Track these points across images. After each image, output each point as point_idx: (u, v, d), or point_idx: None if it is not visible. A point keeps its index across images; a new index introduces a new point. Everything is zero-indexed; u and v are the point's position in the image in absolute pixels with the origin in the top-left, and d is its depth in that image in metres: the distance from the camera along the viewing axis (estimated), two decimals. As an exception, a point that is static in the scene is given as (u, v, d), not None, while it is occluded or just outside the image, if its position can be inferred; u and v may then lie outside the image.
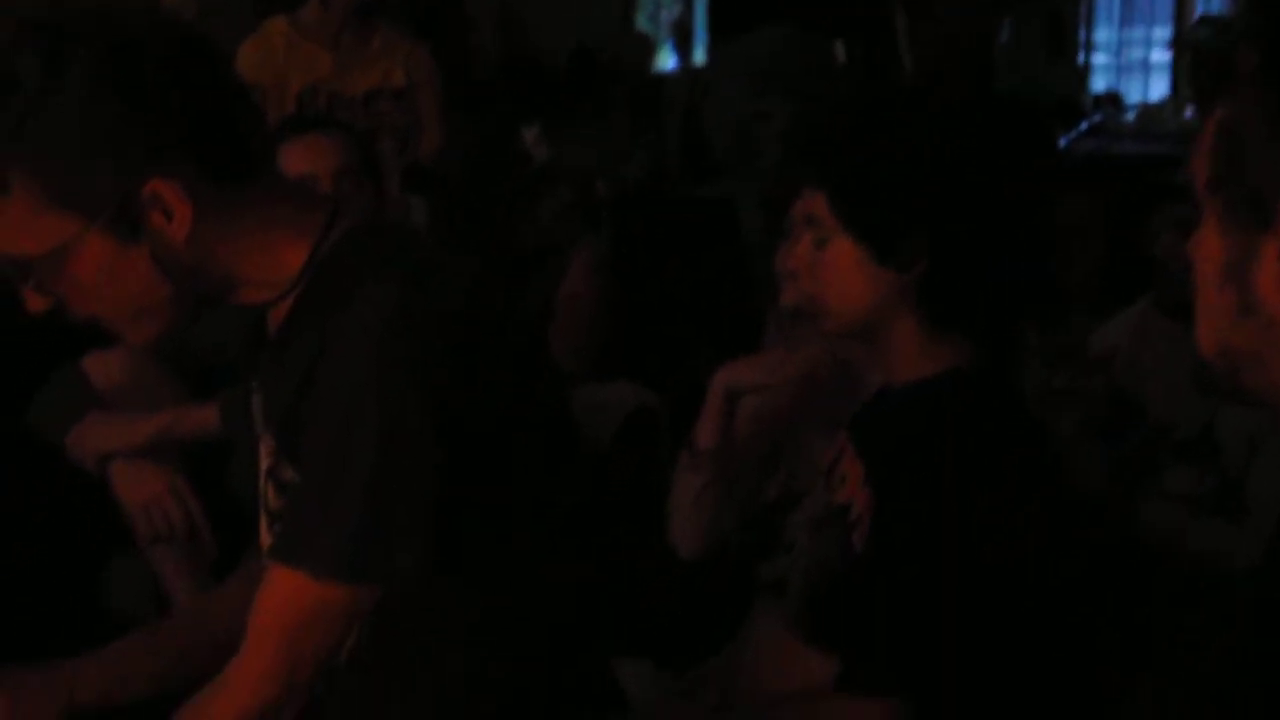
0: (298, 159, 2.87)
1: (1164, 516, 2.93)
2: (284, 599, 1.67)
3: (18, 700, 1.79)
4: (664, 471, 2.81)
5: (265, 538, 1.79)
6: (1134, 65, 9.68)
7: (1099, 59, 9.27)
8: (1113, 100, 8.58)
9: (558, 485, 1.81)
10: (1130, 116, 8.44)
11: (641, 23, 6.39)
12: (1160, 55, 9.35)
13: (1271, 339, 1.11)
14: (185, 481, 2.70)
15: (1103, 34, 9.60)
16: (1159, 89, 9.24)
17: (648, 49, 6.06)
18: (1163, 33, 9.30)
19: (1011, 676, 1.85)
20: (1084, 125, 5.63)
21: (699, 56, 6.56)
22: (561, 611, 1.82)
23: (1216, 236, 1.13)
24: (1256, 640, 1.04)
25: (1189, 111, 7.71)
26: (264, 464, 1.79)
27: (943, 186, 1.91)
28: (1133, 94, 9.23)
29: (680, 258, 4.17)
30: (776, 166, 3.08)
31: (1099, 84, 9.14)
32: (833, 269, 1.95)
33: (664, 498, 2.53)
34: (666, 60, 6.46)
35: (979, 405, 1.95)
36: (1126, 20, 9.79)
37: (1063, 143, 5.36)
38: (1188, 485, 2.96)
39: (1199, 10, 8.91)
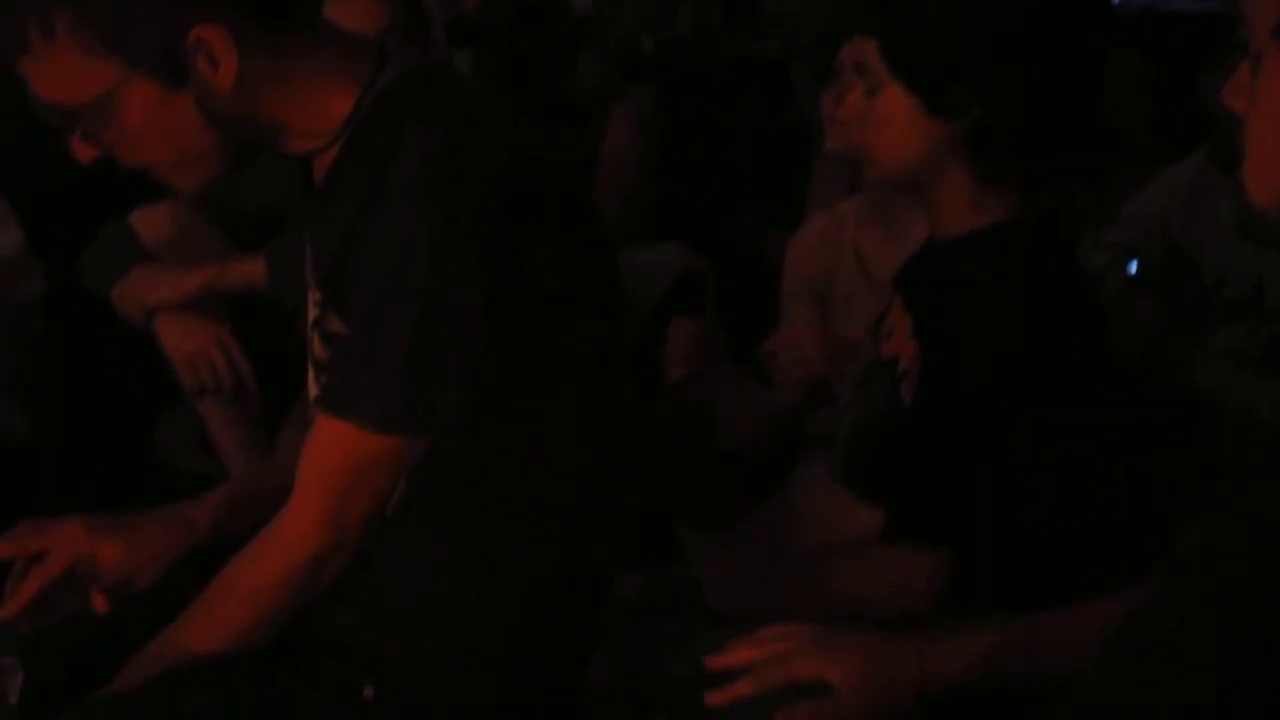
0: (344, 16, 2.84)
1: (1214, 373, 2.91)
2: (330, 450, 1.68)
3: (135, 545, 1.82)
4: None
5: (312, 389, 1.80)
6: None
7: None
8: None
9: (603, 345, 1.81)
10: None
11: None
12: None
13: None
14: (232, 334, 2.71)
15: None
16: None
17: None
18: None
19: (1057, 527, 1.85)
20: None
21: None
22: (601, 478, 1.83)
23: None
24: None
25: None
26: (310, 315, 1.79)
27: (995, 35, 1.89)
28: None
29: (726, 115, 4.14)
30: (826, 18, 3.02)
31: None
32: (883, 118, 1.94)
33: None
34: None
35: (1028, 258, 1.94)
36: None
37: (1115, -1, 5.26)
38: (1238, 342, 2.94)
39: None
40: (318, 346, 1.78)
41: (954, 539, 1.85)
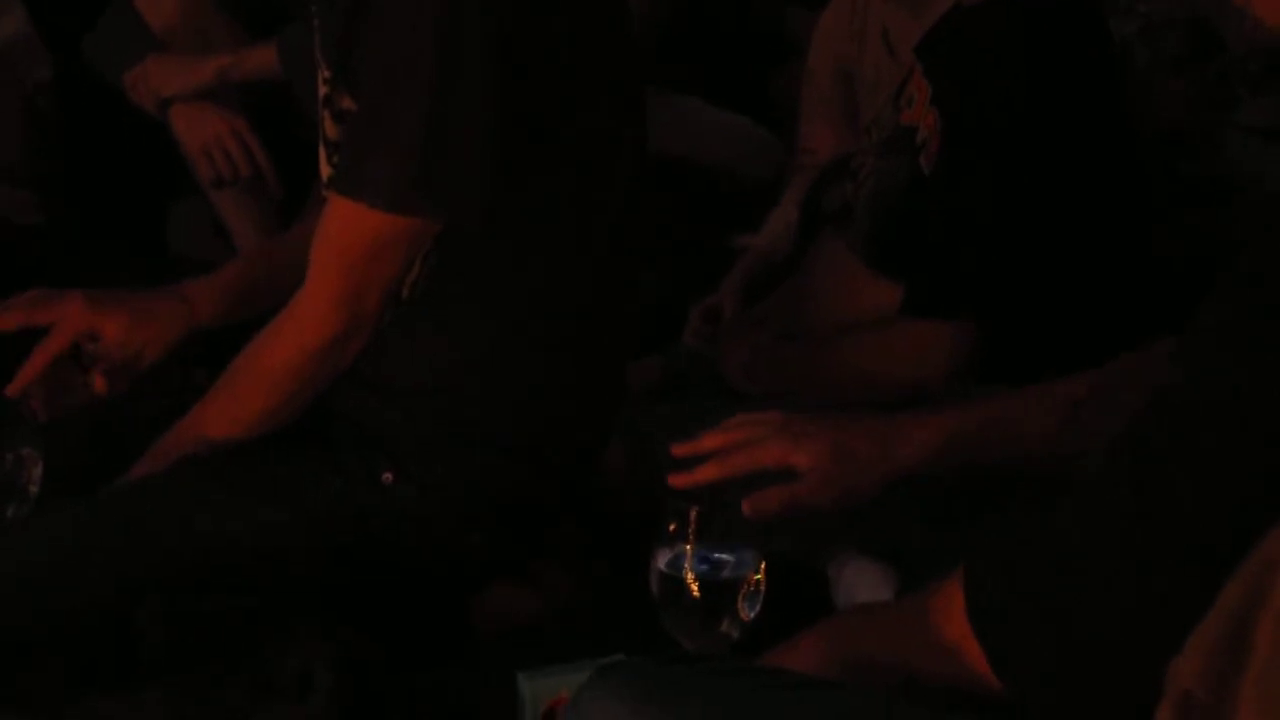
0: None
1: (1239, 146, 2.89)
2: (345, 230, 1.68)
3: (137, 320, 1.82)
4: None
5: (324, 170, 1.79)
6: None
7: None
8: None
9: (623, 133, 1.79)
10: None
11: None
12: None
13: None
14: (247, 123, 2.69)
15: None
16: None
17: None
18: None
19: (1080, 296, 1.86)
20: None
21: None
22: (620, 281, 1.84)
23: None
24: None
25: None
26: (321, 93, 1.77)
27: None
28: None
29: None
30: None
31: None
32: None
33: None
34: None
35: (1055, 24, 1.91)
36: None
37: None
38: (1266, 116, 2.92)
39: None
40: (329, 125, 1.76)
41: (975, 311, 1.86)
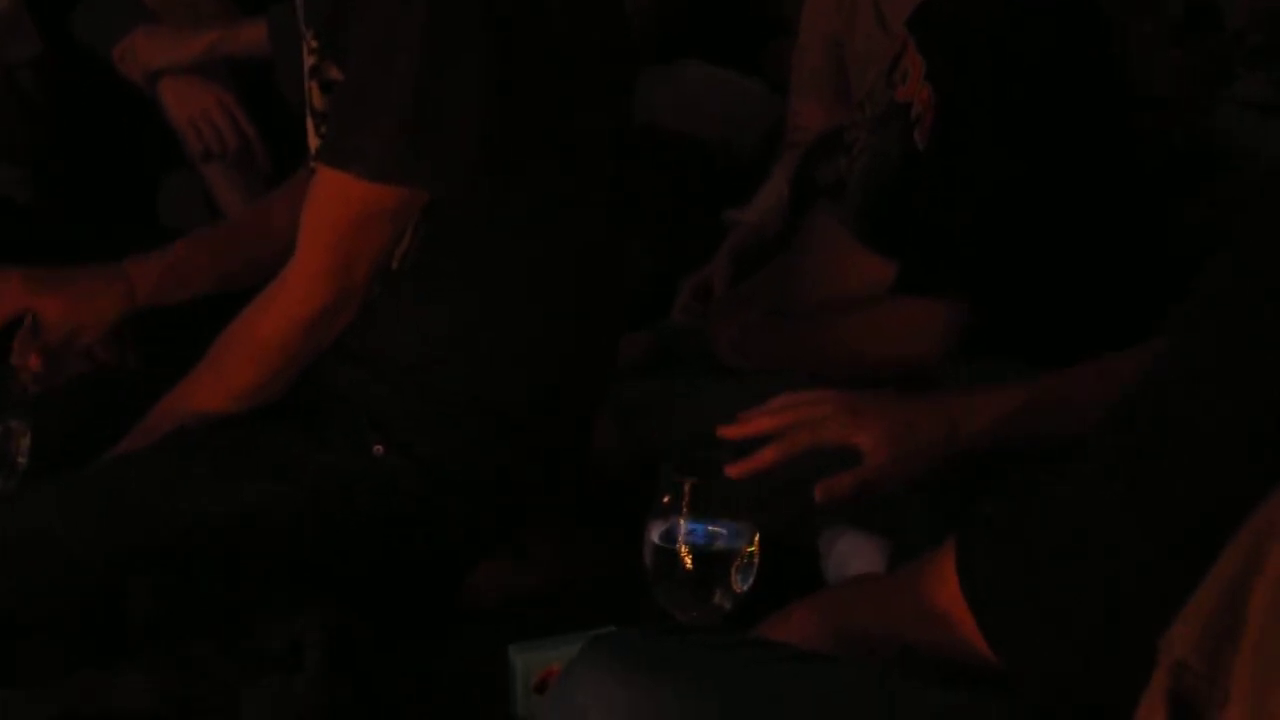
0: None
1: (1237, 121, 2.90)
2: (333, 201, 1.68)
3: (75, 299, 1.83)
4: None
5: (312, 141, 1.78)
6: None
7: None
8: None
9: (614, 108, 1.80)
10: None
11: None
12: None
13: None
14: (235, 98, 2.70)
15: None
16: None
17: None
18: None
19: (1074, 272, 1.86)
20: None
21: None
22: (608, 255, 1.84)
23: None
24: None
25: None
26: (307, 64, 1.77)
27: None
28: None
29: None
30: None
31: None
32: None
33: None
34: None
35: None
36: None
37: None
38: (1260, 91, 2.93)
39: None
40: (316, 96, 1.76)
41: (969, 288, 1.85)
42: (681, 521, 1.49)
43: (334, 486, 1.72)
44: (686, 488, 1.49)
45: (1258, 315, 1.03)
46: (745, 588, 1.49)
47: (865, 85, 2.36)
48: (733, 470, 1.52)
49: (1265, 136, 2.84)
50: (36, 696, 1.54)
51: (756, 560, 1.50)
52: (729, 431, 1.58)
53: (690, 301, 2.34)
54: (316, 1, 1.72)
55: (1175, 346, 1.14)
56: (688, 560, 1.48)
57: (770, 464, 1.55)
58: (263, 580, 1.67)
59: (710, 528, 1.49)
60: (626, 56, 1.86)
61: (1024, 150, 1.85)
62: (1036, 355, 1.69)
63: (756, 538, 1.49)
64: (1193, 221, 2.29)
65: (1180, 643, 0.79)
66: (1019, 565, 1.14)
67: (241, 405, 1.74)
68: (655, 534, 1.49)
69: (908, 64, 1.98)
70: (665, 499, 1.49)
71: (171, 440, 1.73)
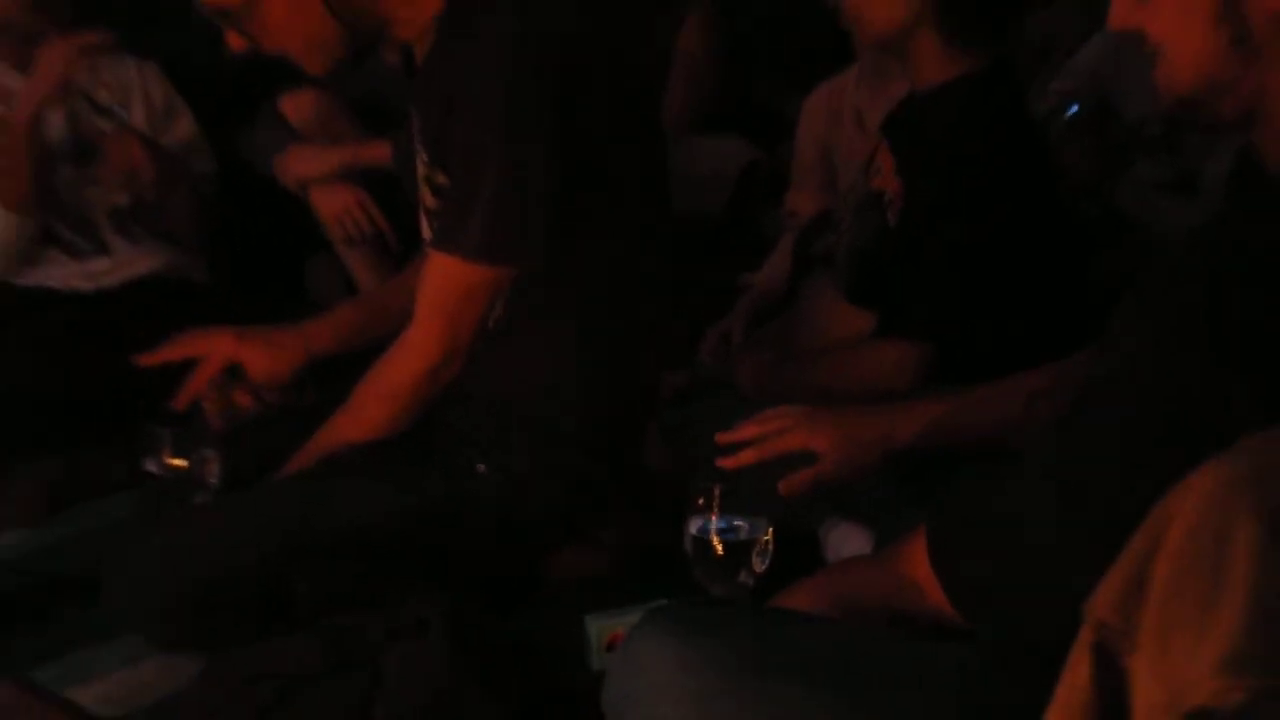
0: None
1: (1138, 198, 2.89)
2: (443, 280, 1.69)
3: (268, 349, 1.84)
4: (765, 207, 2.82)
5: (425, 232, 1.80)
6: None
7: None
8: None
9: (655, 201, 1.80)
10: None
11: None
12: None
13: (1254, 60, 1.05)
14: (369, 197, 2.70)
15: None
16: None
17: None
18: None
19: (1012, 321, 1.85)
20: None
21: None
22: (652, 310, 1.84)
23: None
24: (1191, 268, 1.04)
25: None
26: (420, 172, 1.78)
27: None
28: None
29: (754, 9, 4.02)
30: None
31: None
32: None
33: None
34: None
35: (987, 105, 1.90)
36: None
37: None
38: (1153, 173, 2.92)
39: None
40: (428, 197, 1.77)
41: (931, 334, 1.85)
42: (713, 518, 1.50)
43: (447, 498, 1.72)
44: (716, 491, 1.51)
45: (1153, 349, 1.04)
46: (763, 568, 1.51)
47: (848, 177, 2.37)
48: (723, 462, 1.55)
49: (1158, 208, 2.84)
50: (232, 659, 1.55)
51: (771, 547, 1.51)
52: (723, 438, 1.59)
53: (715, 347, 2.34)
54: (427, 126, 1.74)
55: (1094, 376, 1.15)
56: (718, 548, 1.50)
57: (750, 462, 1.56)
58: (395, 569, 1.67)
59: (735, 522, 1.51)
60: (662, 150, 1.85)
61: (972, 226, 1.83)
62: (981, 382, 1.67)
63: (771, 530, 1.51)
64: (1104, 275, 2.29)
65: (1101, 604, 0.78)
66: (975, 546, 1.16)
67: (376, 436, 1.74)
68: (693, 528, 1.51)
69: (881, 161, 1.98)
70: (700, 500, 1.51)
71: (324, 463, 1.74)
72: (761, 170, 3.09)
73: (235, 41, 1.69)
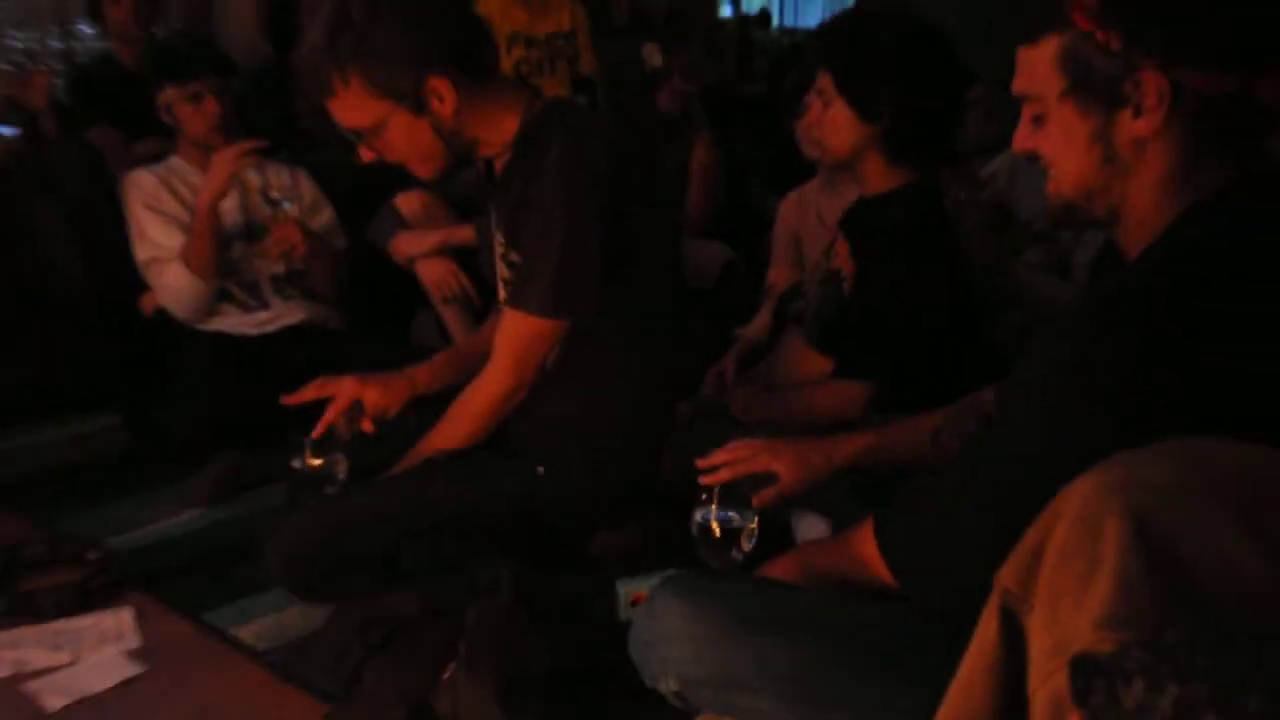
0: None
1: (1027, 278, 2.89)
2: (514, 330, 1.69)
3: (383, 388, 1.83)
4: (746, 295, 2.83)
5: (501, 295, 1.80)
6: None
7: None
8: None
9: (671, 275, 1.79)
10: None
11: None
12: None
13: (1120, 174, 1.06)
14: (459, 267, 2.72)
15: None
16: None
17: (713, 4, 5.83)
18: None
19: (932, 367, 1.84)
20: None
21: (746, 7, 6.32)
22: (669, 354, 1.82)
23: (1079, 119, 1.06)
24: (1069, 335, 1.03)
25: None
26: (498, 253, 1.79)
27: (900, 73, 1.82)
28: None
29: (744, 137, 4.03)
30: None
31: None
32: (832, 122, 1.87)
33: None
34: (724, 9, 6.20)
35: (915, 208, 1.90)
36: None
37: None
38: (1041, 258, 2.92)
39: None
40: (503, 270, 1.78)
41: (875, 375, 1.84)
42: (713, 510, 1.50)
43: (516, 493, 1.71)
44: (715, 491, 1.50)
45: (1038, 390, 1.04)
46: (750, 547, 1.49)
47: (814, 258, 2.37)
48: (704, 480, 1.52)
49: (1040, 285, 2.84)
50: (351, 608, 1.56)
51: (756, 531, 1.50)
52: (702, 463, 1.56)
53: (714, 382, 2.33)
54: (503, 217, 1.74)
55: (999, 407, 1.14)
56: (716, 532, 1.49)
57: (723, 480, 1.52)
58: (475, 543, 1.68)
59: (729, 513, 1.50)
60: (676, 230, 1.85)
61: (906, 297, 1.83)
62: (911, 411, 1.65)
63: (756, 519, 1.50)
64: (1000, 336, 2.28)
65: (1006, 576, 0.77)
66: (912, 530, 1.15)
67: (463, 445, 1.74)
68: (697, 516, 1.50)
69: (838, 247, 1.98)
70: (703, 497, 1.50)
71: (424, 465, 1.74)
72: (737, 266, 3.10)
73: (366, 154, 1.70)
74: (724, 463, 1.55)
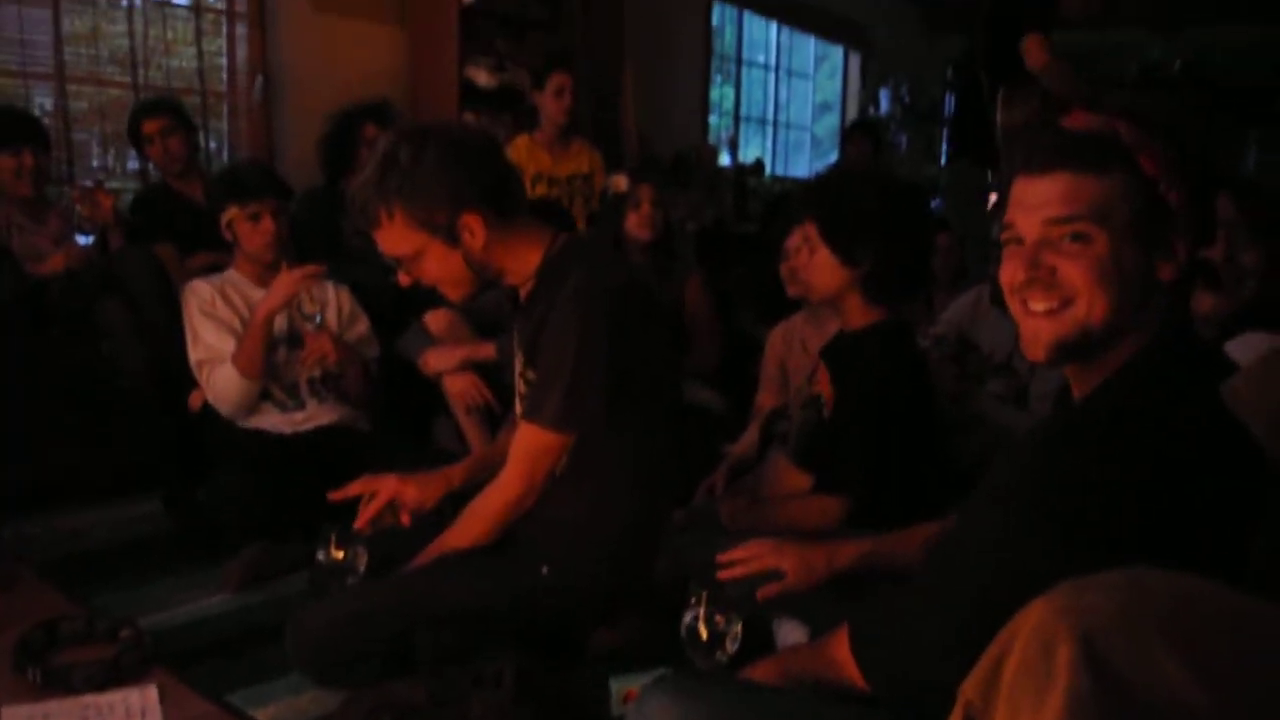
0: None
1: (988, 406, 2.89)
2: (528, 440, 1.69)
3: (421, 485, 1.82)
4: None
5: (518, 409, 1.80)
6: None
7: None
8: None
9: (671, 396, 1.80)
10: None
11: (711, 138, 6.32)
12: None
13: (1137, 313, 1.07)
14: (481, 380, 2.71)
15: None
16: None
17: (715, 152, 5.99)
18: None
19: (904, 486, 1.84)
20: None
21: (742, 157, 6.50)
22: (666, 466, 1.82)
23: (1130, 252, 1.05)
24: (1026, 462, 1.04)
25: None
26: (518, 370, 1.80)
27: (880, 223, 1.87)
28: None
29: (738, 271, 4.09)
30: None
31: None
32: (817, 266, 1.92)
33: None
34: (724, 158, 6.37)
35: (890, 342, 1.93)
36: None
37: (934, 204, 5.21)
38: (1000, 389, 2.92)
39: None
40: (521, 387, 1.78)
41: (850, 491, 1.84)
42: (701, 613, 1.48)
43: (522, 591, 1.69)
44: (703, 594, 1.48)
45: (994, 512, 1.04)
46: (734, 650, 1.47)
47: (797, 384, 2.39)
48: (721, 575, 1.53)
49: (1000, 413, 2.84)
50: (364, 694, 1.52)
51: (740, 635, 1.48)
52: (722, 558, 1.57)
53: (705, 493, 2.32)
54: (524, 339, 1.75)
55: (959, 526, 1.14)
56: (704, 634, 1.47)
57: (740, 575, 1.54)
58: (483, 637, 1.64)
59: (715, 617, 1.48)
60: (674, 357, 1.86)
61: (878, 422, 1.84)
62: (882, 526, 1.66)
63: (740, 623, 1.48)
64: (966, 458, 2.28)
65: (970, 686, 0.77)
66: (883, 638, 1.14)
67: (477, 544, 1.72)
68: (687, 618, 1.48)
69: (820, 373, 2.00)
70: (692, 600, 1.48)
71: (438, 562, 1.72)
72: (725, 415, 3.03)
73: (404, 278, 1.73)
74: (739, 559, 1.55)
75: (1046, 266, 1.06)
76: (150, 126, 3.22)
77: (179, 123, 3.26)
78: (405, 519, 1.81)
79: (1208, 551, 0.94)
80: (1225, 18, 6.80)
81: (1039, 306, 1.07)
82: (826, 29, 7.17)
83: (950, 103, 8.00)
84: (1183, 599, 0.75)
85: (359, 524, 1.76)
